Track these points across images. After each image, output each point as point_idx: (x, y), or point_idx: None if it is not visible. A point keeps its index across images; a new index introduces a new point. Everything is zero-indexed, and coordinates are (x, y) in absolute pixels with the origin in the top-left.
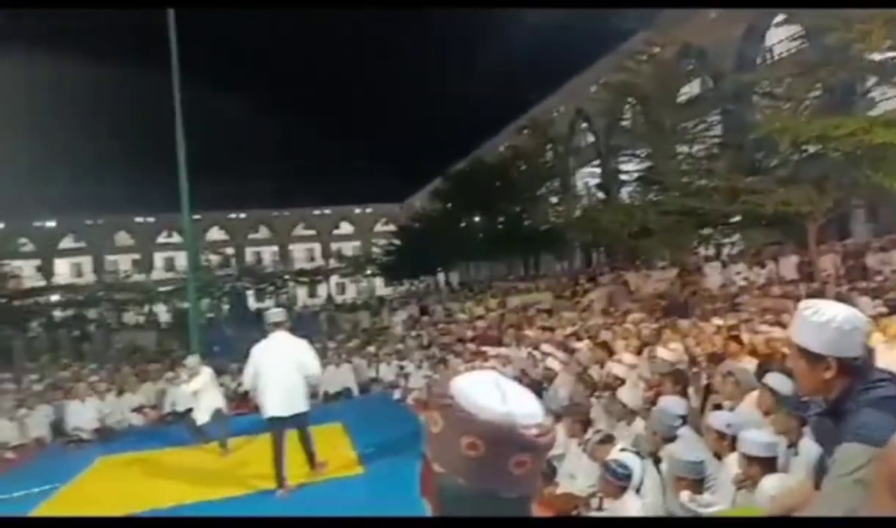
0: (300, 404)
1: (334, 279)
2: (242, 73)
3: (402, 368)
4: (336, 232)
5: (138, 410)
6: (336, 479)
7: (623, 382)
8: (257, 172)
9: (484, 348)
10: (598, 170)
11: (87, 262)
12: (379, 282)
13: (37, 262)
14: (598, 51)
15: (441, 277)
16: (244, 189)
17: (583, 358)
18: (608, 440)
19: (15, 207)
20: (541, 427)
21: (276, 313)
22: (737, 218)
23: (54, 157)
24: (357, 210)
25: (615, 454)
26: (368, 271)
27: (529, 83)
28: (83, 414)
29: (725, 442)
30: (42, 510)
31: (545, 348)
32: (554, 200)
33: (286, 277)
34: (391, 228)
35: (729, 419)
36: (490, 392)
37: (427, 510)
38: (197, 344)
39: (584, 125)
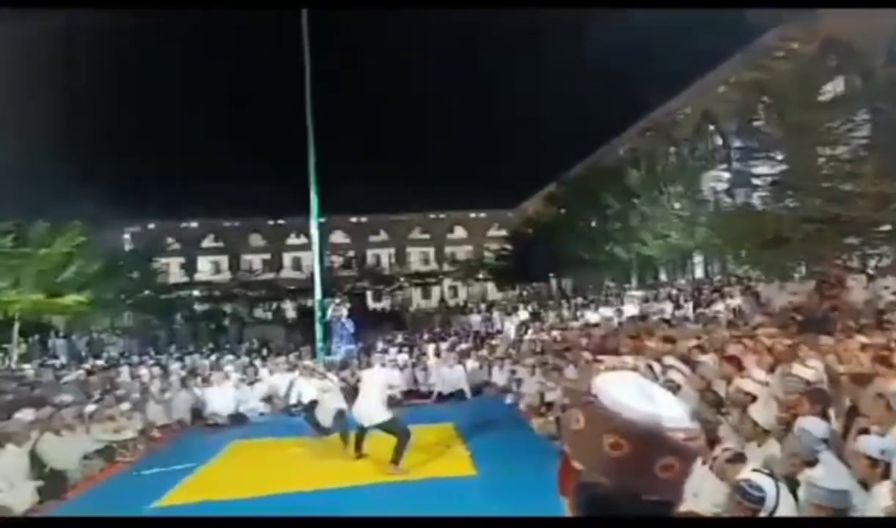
0: None
1: (447, 282)
2: (370, 78)
3: (514, 373)
4: (450, 236)
5: (267, 399)
6: (449, 478)
7: (754, 399)
8: (378, 177)
9: (599, 357)
10: (726, 174)
11: (224, 260)
12: (491, 286)
13: (181, 259)
14: (726, 49)
15: (553, 283)
16: (366, 194)
17: (707, 372)
18: (739, 458)
19: (165, 209)
20: (688, 432)
21: None
22: (886, 227)
23: (196, 163)
24: (471, 215)
25: (747, 474)
26: (480, 276)
27: (650, 84)
28: (219, 401)
29: (878, 470)
30: (182, 487)
31: (668, 360)
32: (677, 205)
33: (402, 279)
34: (503, 233)
35: (883, 445)
36: (634, 392)
37: (565, 508)
38: (321, 340)
39: (711, 127)
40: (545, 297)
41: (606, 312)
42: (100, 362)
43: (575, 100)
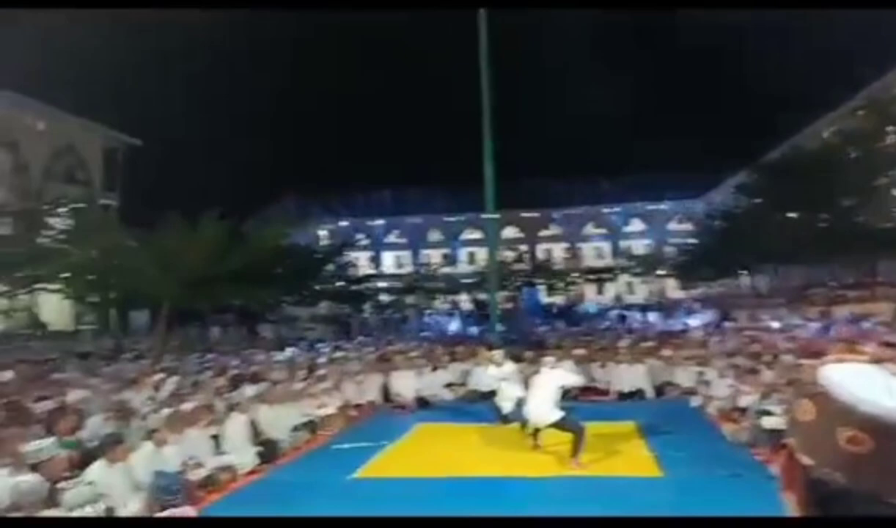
0: None
1: (624, 278)
2: (551, 73)
3: (701, 374)
4: (627, 229)
5: (448, 385)
6: (633, 477)
7: None
8: (550, 171)
9: (803, 362)
10: None
11: (406, 255)
12: (671, 283)
13: (369, 253)
14: None
15: (745, 280)
16: (538, 188)
17: None
18: None
19: (355, 208)
20: None
21: None
22: None
23: (382, 164)
24: (649, 206)
25: None
26: (660, 271)
27: (862, 60)
28: (404, 384)
29: None
30: (374, 463)
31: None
32: None
33: (575, 274)
34: (687, 226)
35: None
36: (873, 385)
37: (789, 506)
38: (496, 332)
39: None
40: (735, 295)
41: (810, 312)
42: (301, 346)
43: (770, 78)
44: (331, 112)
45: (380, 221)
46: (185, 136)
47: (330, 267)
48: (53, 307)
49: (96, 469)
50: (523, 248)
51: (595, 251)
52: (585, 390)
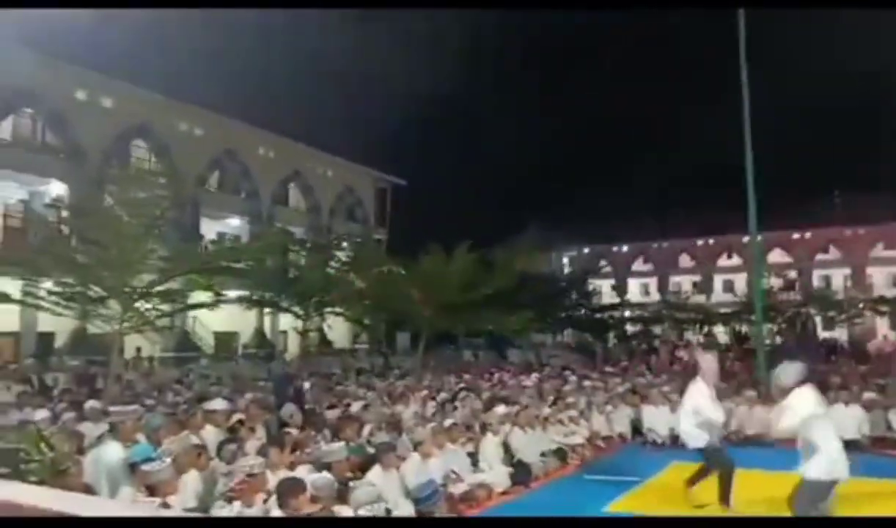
0: None
1: None
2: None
3: None
4: None
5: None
6: None
7: None
8: (824, 184)
9: None
10: None
11: (653, 282)
12: None
13: (612, 281)
14: None
15: None
16: (808, 206)
17: None
18: None
19: (596, 234)
20: None
21: None
22: None
23: (621, 189)
24: None
25: None
26: None
27: None
28: (657, 418)
29: None
30: (624, 500)
31: None
32: None
33: (861, 304)
34: None
35: None
36: None
37: None
38: (764, 369)
39: None
40: None
41: None
42: (547, 371)
43: None
44: (574, 135)
45: (625, 248)
46: (440, 174)
47: (573, 295)
48: (337, 329)
49: (374, 473)
50: (793, 273)
51: (886, 278)
52: (878, 441)
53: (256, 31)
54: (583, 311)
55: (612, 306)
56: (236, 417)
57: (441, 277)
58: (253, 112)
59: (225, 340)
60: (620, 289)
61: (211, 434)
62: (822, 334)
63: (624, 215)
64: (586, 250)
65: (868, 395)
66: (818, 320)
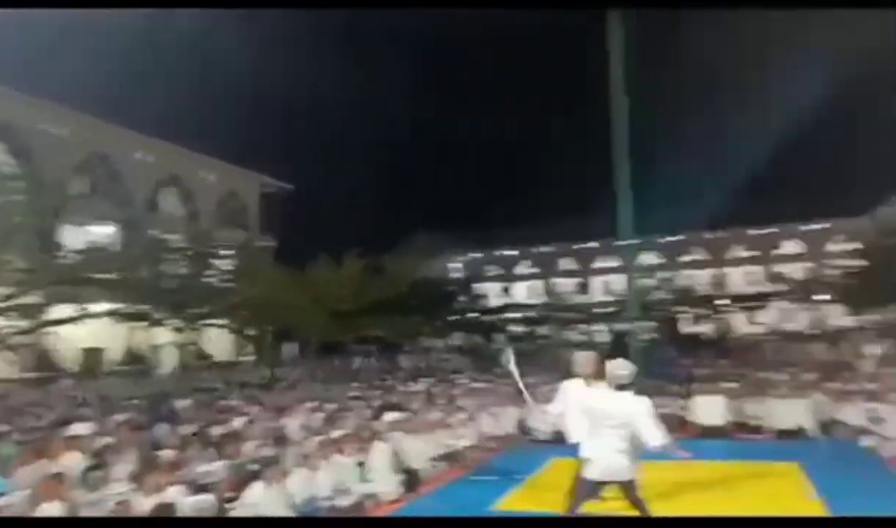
0: None
1: (778, 305)
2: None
3: (873, 411)
4: (777, 252)
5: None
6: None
7: None
8: (697, 191)
9: None
10: None
11: (538, 285)
12: (832, 310)
13: (500, 284)
14: None
15: None
16: (681, 212)
17: None
18: None
19: (483, 238)
20: None
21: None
22: None
23: (506, 189)
24: (802, 228)
25: None
26: (820, 297)
27: None
28: (540, 418)
29: None
30: (511, 497)
31: None
32: None
33: (723, 301)
34: (852, 245)
35: None
36: None
37: None
38: (639, 366)
39: None
40: None
41: None
42: (436, 377)
43: None
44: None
45: (513, 252)
46: (328, 181)
47: (461, 298)
48: (219, 341)
49: (256, 490)
50: (665, 274)
51: (745, 276)
52: (737, 427)
53: (136, 30)
54: (471, 314)
55: (499, 309)
56: (104, 441)
57: (331, 284)
58: (129, 114)
59: (92, 357)
60: (507, 292)
61: (73, 461)
62: (688, 330)
63: (510, 220)
64: (474, 255)
65: (727, 385)
66: (688, 318)
